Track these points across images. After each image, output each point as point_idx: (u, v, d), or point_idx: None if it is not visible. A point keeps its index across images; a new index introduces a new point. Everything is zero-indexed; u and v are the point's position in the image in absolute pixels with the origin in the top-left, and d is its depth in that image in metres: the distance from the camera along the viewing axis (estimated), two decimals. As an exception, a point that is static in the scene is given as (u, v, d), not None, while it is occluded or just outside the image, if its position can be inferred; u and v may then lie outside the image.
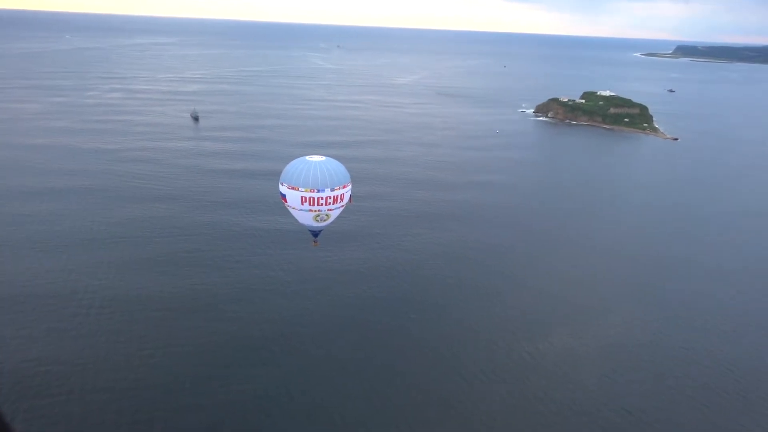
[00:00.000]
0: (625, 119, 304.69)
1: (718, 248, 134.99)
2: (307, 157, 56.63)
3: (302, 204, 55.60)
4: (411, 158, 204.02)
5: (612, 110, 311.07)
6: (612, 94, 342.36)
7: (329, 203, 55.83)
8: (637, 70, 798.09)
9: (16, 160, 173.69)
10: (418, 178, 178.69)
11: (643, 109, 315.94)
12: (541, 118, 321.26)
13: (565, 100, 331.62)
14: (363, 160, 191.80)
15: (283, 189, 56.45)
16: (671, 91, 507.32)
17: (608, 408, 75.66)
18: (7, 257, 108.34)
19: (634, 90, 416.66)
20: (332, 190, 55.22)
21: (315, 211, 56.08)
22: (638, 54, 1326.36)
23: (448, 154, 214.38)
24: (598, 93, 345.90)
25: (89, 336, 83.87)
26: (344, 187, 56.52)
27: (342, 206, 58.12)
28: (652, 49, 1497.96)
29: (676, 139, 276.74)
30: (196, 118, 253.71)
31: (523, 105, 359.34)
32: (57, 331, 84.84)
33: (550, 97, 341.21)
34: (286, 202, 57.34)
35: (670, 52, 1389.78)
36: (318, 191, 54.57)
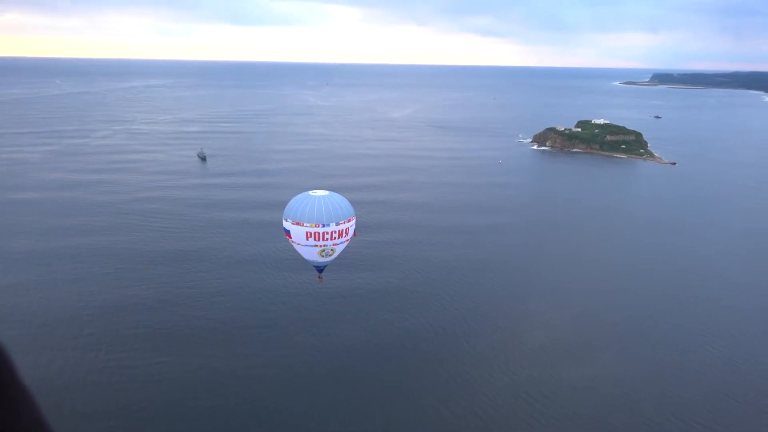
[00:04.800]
0: (622, 146, 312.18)
1: (753, 262, 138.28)
2: (310, 192, 56.74)
3: (307, 239, 55.23)
4: (421, 199, 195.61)
5: (609, 137, 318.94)
6: (606, 122, 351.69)
7: (335, 238, 55.64)
8: (619, 98, 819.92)
9: (17, 219, 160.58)
10: (431, 220, 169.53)
11: (638, 135, 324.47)
12: (539, 148, 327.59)
13: (562, 129, 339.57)
14: (373, 203, 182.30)
15: (287, 225, 56.13)
16: (658, 117, 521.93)
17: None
18: (21, 338, 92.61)
19: (622, 117, 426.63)
20: (337, 224, 55.18)
21: (320, 246, 55.66)
22: (617, 82, 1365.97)
23: (457, 192, 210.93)
24: (593, 121, 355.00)
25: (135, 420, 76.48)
26: (349, 221, 56.55)
27: (347, 240, 58.05)
28: (629, 78, 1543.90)
29: (674, 163, 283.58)
30: (203, 158, 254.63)
31: (520, 135, 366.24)
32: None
33: (546, 127, 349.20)
34: (290, 238, 56.96)
35: (648, 79, 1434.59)
36: (323, 226, 54.19)
